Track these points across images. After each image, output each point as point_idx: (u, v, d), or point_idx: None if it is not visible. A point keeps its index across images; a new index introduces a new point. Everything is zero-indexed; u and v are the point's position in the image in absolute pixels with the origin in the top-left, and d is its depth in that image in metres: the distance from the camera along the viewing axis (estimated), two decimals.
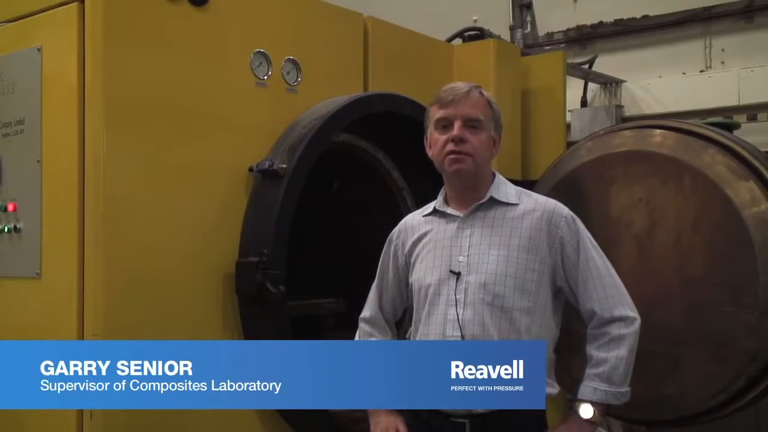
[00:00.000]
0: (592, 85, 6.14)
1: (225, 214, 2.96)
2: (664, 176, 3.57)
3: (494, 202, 2.35)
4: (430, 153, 2.41)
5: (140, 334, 2.67)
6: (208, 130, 2.91)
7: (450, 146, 2.29)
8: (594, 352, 2.28)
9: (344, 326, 3.92)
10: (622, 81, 6.11)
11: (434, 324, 2.29)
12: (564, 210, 2.35)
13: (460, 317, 2.23)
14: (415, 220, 2.50)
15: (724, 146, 3.56)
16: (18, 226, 2.83)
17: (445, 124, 2.32)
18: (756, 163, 3.49)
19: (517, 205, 2.34)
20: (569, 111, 5.48)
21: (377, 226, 4.14)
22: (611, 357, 2.24)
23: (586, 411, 2.24)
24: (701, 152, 3.53)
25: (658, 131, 3.73)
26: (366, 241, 4.18)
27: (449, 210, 2.39)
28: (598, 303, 2.28)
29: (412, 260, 2.44)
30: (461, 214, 2.36)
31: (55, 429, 2.69)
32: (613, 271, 2.34)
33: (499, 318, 2.22)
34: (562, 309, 2.39)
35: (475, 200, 2.35)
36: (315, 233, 4.07)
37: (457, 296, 2.25)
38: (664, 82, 5.94)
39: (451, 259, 2.30)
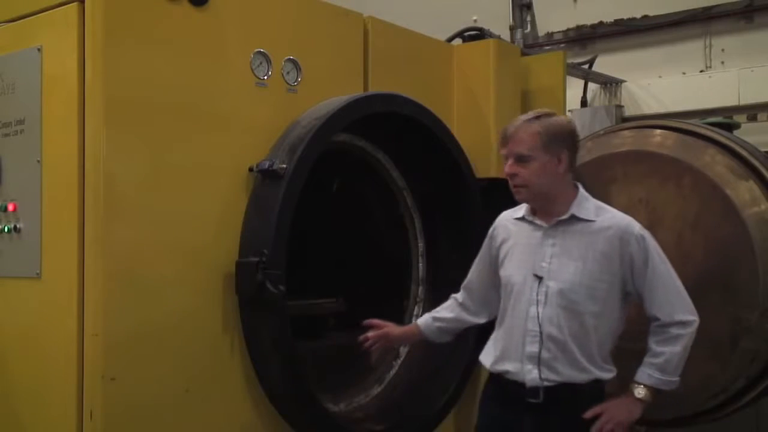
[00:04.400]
0: (592, 85, 6.14)
1: (225, 214, 2.96)
2: (664, 176, 3.57)
3: (574, 218, 2.70)
4: None
5: (140, 334, 2.68)
6: (208, 130, 2.91)
7: (510, 180, 2.72)
8: (653, 345, 2.68)
9: (344, 326, 3.93)
10: (622, 81, 6.11)
11: (518, 317, 2.72)
12: (635, 228, 2.70)
13: (539, 315, 2.66)
14: (508, 220, 2.89)
15: (724, 146, 3.56)
16: (18, 226, 2.83)
17: (505, 159, 2.73)
18: (756, 163, 3.50)
19: (594, 221, 2.69)
20: (569, 111, 5.49)
21: (377, 226, 4.16)
22: (667, 351, 2.64)
23: (640, 392, 2.66)
24: (701, 152, 3.54)
25: (658, 131, 3.73)
26: (366, 240, 4.19)
27: (536, 220, 2.77)
28: (660, 308, 2.66)
29: (501, 255, 2.85)
30: (546, 225, 2.74)
31: (55, 429, 2.69)
32: (675, 280, 2.70)
33: (572, 320, 2.65)
34: (628, 308, 2.78)
35: (557, 214, 2.72)
36: (315, 233, 4.07)
37: (539, 297, 2.67)
38: (664, 82, 5.94)
39: (535, 264, 2.71)
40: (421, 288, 3.92)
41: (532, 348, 2.67)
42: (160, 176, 2.76)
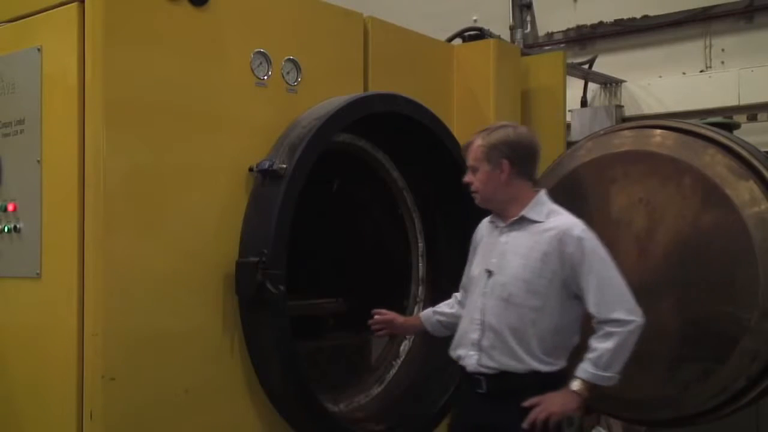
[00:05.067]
0: (592, 85, 6.13)
1: (225, 214, 2.96)
2: (664, 176, 3.57)
3: (525, 219, 2.91)
4: None
5: (140, 334, 2.68)
6: (208, 130, 2.91)
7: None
8: (590, 341, 2.82)
9: (344, 326, 3.93)
10: (622, 81, 6.10)
11: (470, 308, 2.97)
12: (576, 230, 2.85)
13: (484, 306, 2.89)
14: (484, 223, 3.14)
15: (724, 146, 3.55)
16: (18, 226, 2.83)
17: None
18: (756, 163, 3.49)
19: (542, 222, 2.89)
20: (569, 111, 5.48)
21: (377, 225, 4.16)
22: (600, 347, 2.77)
23: (575, 384, 2.78)
24: (701, 152, 3.53)
25: (658, 131, 3.72)
26: (366, 241, 4.19)
27: (497, 221, 3.02)
28: (596, 306, 2.80)
29: (475, 253, 3.11)
30: (502, 225, 2.98)
31: (55, 429, 2.69)
32: (616, 280, 2.82)
33: (511, 311, 2.83)
34: (581, 309, 2.88)
35: (512, 216, 2.95)
36: (315, 233, 4.07)
37: (485, 290, 2.91)
38: (664, 82, 5.93)
39: (488, 260, 2.95)
40: (421, 288, 3.93)
41: (474, 335, 2.90)
42: (160, 176, 2.76)
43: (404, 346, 3.86)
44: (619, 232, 3.66)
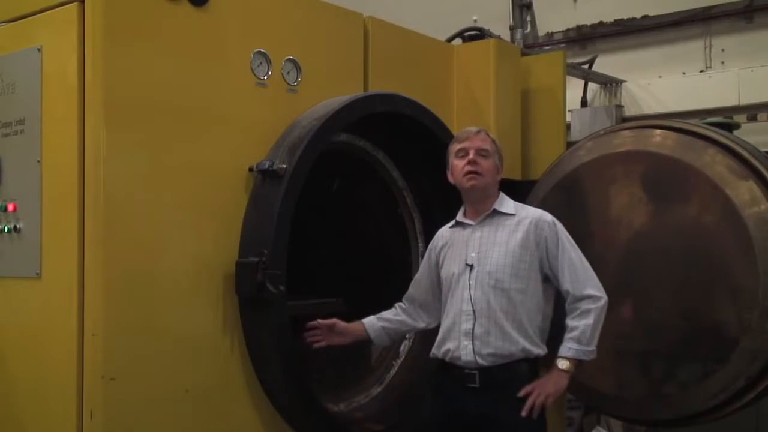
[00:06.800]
0: (592, 85, 6.14)
1: (225, 214, 2.96)
2: (664, 176, 3.57)
3: (497, 213, 3.11)
4: (451, 179, 3.16)
5: (140, 335, 2.68)
6: (208, 130, 2.91)
7: (467, 168, 3.07)
8: (569, 322, 3.02)
9: None
10: (622, 81, 6.11)
11: (455, 303, 3.06)
12: (548, 217, 3.11)
13: (472, 297, 3.01)
14: (444, 230, 3.28)
15: (724, 146, 3.56)
16: (18, 226, 2.83)
17: (462, 154, 3.10)
18: (756, 163, 3.49)
19: (513, 215, 3.10)
20: (569, 111, 5.48)
21: (377, 225, 4.16)
22: (581, 324, 2.97)
23: (563, 364, 2.96)
24: (701, 152, 3.53)
25: (658, 131, 3.73)
26: (366, 240, 4.19)
27: (466, 220, 3.17)
28: (571, 284, 3.03)
29: (441, 258, 3.21)
30: (474, 222, 3.13)
31: (55, 428, 2.69)
32: (584, 262, 3.07)
33: (500, 296, 2.98)
34: (553, 291, 3.12)
35: (484, 212, 3.12)
36: (315, 233, 4.07)
37: (470, 282, 3.03)
38: (664, 82, 5.94)
39: (467, 255, 3.08)
40: None
41: (467, 325, 2.99)
42: (159, 176, 2.76)
43: (404, 347, 3.86)
44: (619, 231, 3.67)
